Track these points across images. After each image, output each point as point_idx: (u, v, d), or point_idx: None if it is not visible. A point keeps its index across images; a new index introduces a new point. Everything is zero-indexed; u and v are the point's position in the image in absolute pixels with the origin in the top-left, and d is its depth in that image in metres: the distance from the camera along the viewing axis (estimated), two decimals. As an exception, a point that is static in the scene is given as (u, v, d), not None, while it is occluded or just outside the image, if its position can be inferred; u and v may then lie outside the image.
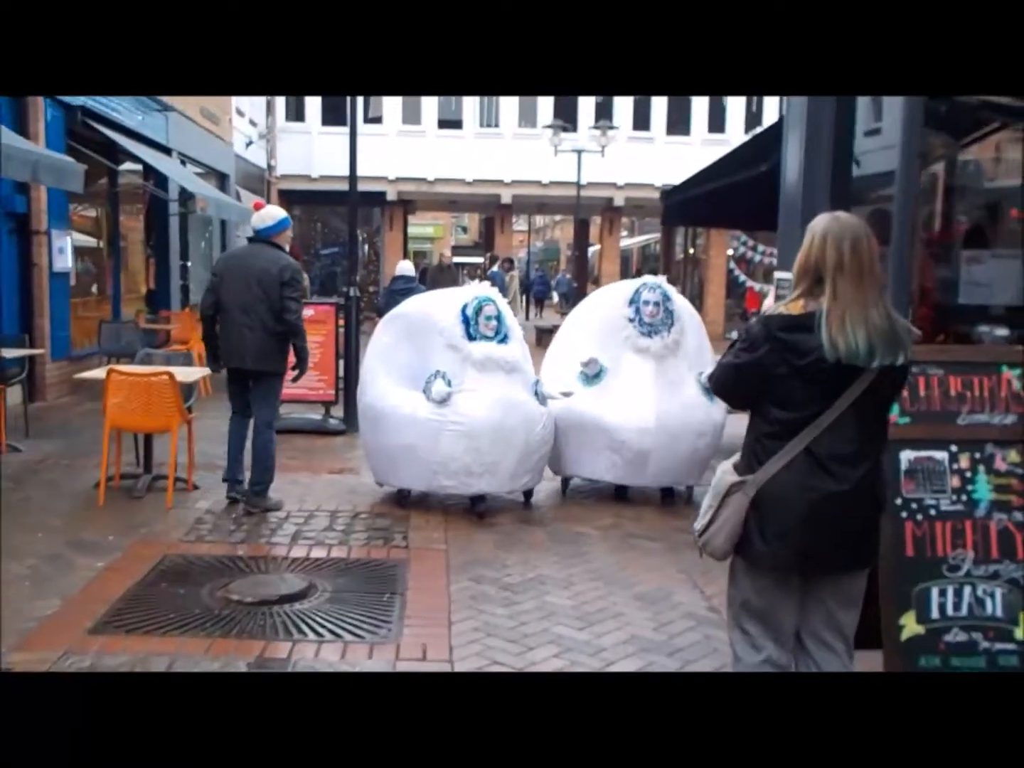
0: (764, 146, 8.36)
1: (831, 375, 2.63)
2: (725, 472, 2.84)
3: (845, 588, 2.83)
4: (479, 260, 24.69)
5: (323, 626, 4.30)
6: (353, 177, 9.39)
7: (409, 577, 5.02)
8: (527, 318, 19.64)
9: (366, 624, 4.35)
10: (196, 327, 12.23)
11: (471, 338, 6.14)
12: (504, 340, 6.25)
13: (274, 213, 6.31)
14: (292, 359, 6.22)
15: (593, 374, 6.59)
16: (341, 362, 9.35)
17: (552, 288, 35.59)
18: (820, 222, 2.73)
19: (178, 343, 12.32)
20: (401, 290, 10.73)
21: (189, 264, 17.15)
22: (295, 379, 6.41)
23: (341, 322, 9.45)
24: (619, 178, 24.27)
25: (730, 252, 25.48)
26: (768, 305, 3.00)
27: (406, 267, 11.43)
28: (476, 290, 6.52)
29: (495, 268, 19.20)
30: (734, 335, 26.02)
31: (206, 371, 7.49)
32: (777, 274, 2.96)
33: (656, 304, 6.55)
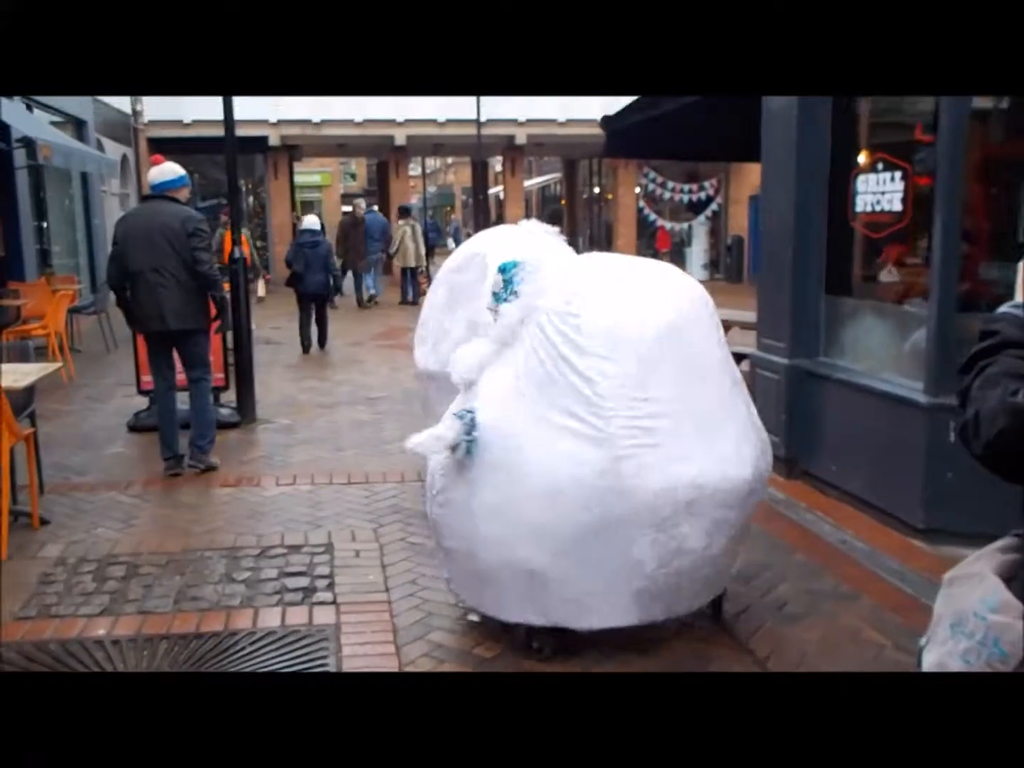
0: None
1: None
2: (994, 600, 1.47)
3: None
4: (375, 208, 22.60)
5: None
6: (229, 120, 7.70)
7: (342, 658, 3.59)
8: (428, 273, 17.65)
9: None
10: (53, 299, 10.41)
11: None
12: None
13: (174, 168, 6.26)
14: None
15: None
16: (231, 336, 7.69)
17: (449, 235, 34.53)
18: None
19: (32, 320, 10.46)
20: (308, 243, 11.86)
21: (46, 225, 15.10)
22: (219, 329, 6.68)
23: (226, 287, 7.76)
24: (520, 114, 22.67)
25: (637, 190, 24.26)
26: None
27: (312, 221, 12.50)
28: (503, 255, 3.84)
29: (345, 215, 17.86)
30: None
31: (52, 366, 5.89)
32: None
33: None
